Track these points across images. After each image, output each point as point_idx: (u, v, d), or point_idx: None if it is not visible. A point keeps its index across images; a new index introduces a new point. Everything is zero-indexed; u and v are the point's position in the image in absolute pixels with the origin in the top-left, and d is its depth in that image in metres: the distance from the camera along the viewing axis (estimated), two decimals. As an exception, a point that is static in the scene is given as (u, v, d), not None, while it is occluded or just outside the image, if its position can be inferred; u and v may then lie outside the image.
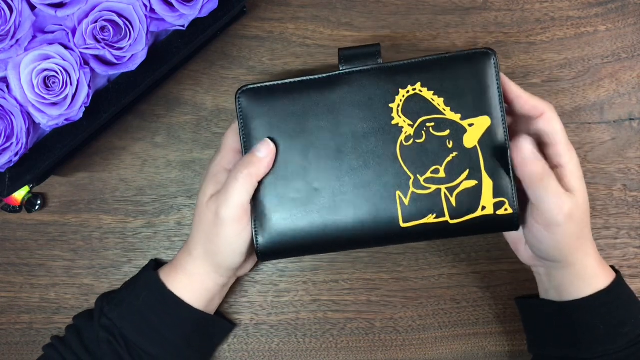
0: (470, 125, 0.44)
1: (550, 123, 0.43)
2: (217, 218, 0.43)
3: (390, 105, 0.44)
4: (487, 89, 0.43)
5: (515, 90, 0.44)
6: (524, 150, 0.41)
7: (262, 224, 0.44)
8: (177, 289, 0.46)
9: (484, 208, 0.44)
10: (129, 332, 0.45)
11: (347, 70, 0.44)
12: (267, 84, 0.45)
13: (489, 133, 0.43)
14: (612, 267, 0.47)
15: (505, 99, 0.44)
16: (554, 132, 0.43)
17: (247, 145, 0.45)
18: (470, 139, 0.44)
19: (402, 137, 0.44)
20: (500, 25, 0.55)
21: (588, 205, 0.44)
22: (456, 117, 0.44)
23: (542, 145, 0.44)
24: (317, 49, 0.55)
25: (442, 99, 0.44)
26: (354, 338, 0.53)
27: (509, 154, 0.43)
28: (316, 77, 0.45)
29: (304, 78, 0.45)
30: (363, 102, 0.44)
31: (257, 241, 0.44)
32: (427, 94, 0.44)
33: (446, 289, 0.54)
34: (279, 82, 0.45)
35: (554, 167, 0.43)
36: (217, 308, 0.51)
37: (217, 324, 0.51)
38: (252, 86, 0.45)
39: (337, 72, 0.44)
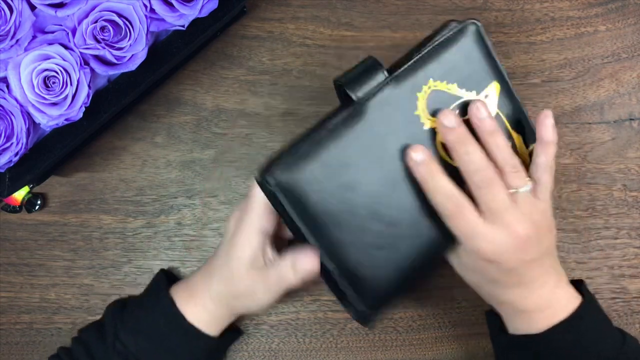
0: (486, 96, 0.42)
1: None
2: (254, 298, 0.44)
3: (416, 113, 0.40)
4: (485, 58, 0.42)
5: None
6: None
7: (361, 288, 0.40)
8: (193, 315, 0.46)
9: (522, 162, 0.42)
10: (144, 359, 0.45)
11: (362, 100, 0.39)
12: (291, 147, 0.38)
13: (502, 96, 0.43)
14: (579, 286, 0.44)
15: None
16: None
17: (308, 225, 0.38)
18: (491, 109, 0.42)
19: (439, 137, 0.41)
20: (500, 25, 0.55)
21: (520, 235, 0.39)
22: (473, 95, 0.42)
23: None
24: (317, 49, 0.55)
25: (454, 84, 0.42)
26: (354, 338, 0.53)
27: (521, 105, 0.43)
28: (338, 119, 0.39)
29: (325, 124, 0.39)
30: (391, 122, 0.40)
31: (363, 306, 0.41)
32: (441, 85, 0.41)
33: (446, 289, 0.53)
34: (300, 140, 0.39)
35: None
36: None
37: (228, 341, 0.51)
38: (281, 160, 0.38)
39: (353, 105, 0.39)
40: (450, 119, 0.39)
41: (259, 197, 0.42)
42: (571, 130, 0.54)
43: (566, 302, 0.42)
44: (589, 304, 0.43)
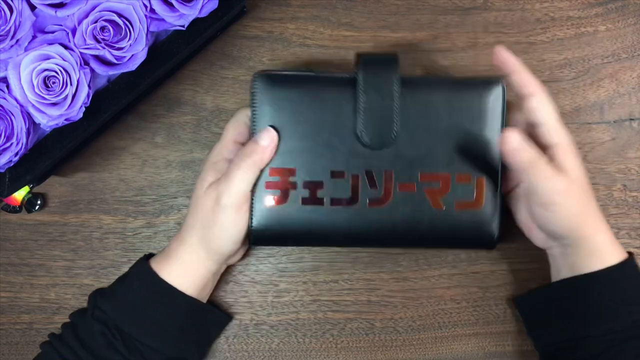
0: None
1: (539, 103, 0.44)
2: (218, 205, 0.44)
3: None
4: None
5: (514, 64, 0.45)
6: (512, 141, 0.42)
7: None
8: (169, 277, 0.46)
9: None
10: (123, 323, 0.45)
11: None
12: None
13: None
14: (629, 252, 0.46)
15: (505, 70, 0.46)
16: (543, 112, 0.44)
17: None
18: None
19: None
20: (500, 25, 0.55)
21: (586, 180, 0.45)
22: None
23: (533, 126, 0.45)
24: (317, 49, 0.55)
25: None
26: (354, 338, 0.53)
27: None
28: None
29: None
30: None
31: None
32: None
33: (446, 289, 0.53)
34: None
35: (545, 147, 0.44)
36: (212, 300, 0.52)
37: (211, 313, 0.51)
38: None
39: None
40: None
41: (227, 131, 0.47)
42: (571, 130, 0.54)
43: (619, 251, 0.45)
44: (634, 259, 0.46)
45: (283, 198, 0.45)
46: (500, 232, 0.47)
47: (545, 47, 0.55)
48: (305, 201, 0.45)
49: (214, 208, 0.44)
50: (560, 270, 0.47)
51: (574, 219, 0.44)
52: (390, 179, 0.45)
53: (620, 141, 0.54)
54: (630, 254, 0.46)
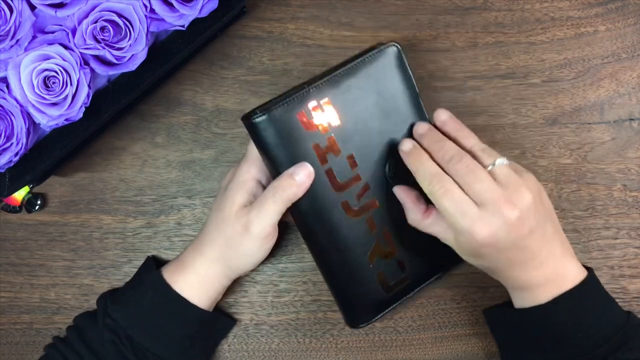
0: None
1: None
2: (247, 232, 0.44)
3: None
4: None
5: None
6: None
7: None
8: (183, 289, 0.46)
9: None
10: (134, 333, 0.45)
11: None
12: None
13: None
14: (587, 268, 0.45)
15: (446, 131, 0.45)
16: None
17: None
18: None
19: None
20: (500, 25, 0.55)
21: (513, 222, 0.39)
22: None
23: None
24: (317, 49, 0.55)
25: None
26: (354, 338, 0.53)
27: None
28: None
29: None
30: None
31: None
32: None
33: (446, 289, 0.53)
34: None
35: None
36: (217, 305, 0.51)
37: (219, 322, 0.51)
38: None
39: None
40: (422, 127, 0.45)
41: (252, 151, 0.45)
42: (571, 130, 0.54)
43: (574, 274, 0.43)
44: (594, 278, 0.44)
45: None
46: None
47: (545, 47, 0.55)
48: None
49: (242, 233, 0.44)
50: (522, 297, 0.45)
51: (512, 265, 0.42)
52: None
53: (620, 141, 0.54)
54: (589, 270, 0.44)
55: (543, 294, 0.42)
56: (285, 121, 0.43)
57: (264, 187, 0.45)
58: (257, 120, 0.42)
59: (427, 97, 0.52)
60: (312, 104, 0.43)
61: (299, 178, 0.43)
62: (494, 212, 0.39)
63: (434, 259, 0.50)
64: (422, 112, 0.47)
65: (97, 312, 0.47)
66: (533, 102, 0.55)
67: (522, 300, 0.44)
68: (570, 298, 0.42)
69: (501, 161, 0.41)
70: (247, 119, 0.43)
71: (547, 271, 0.42)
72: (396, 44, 0.45)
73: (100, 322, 0.46)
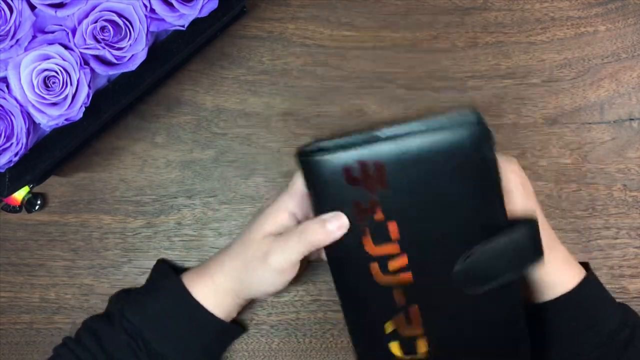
0: None
1: None
2: (264, 261, 0.43)
3: None
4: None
5: None
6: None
7: None
8: (203, 297, 0.46)
9: None
10: (151, 337, 0.45)
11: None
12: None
13: None
14: (583, 263, 0.47)
15: None
16: None
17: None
18: None
19: None
20: (500, 25, 0.55)
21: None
22: None
23: None
24: (317, 49, 0.55)
25: None
26: (354, 338, 0.53)
27: None
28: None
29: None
30: None
31: None
32: None
33: (446, 289, 0.53)
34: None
35: None
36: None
37: (233, 331, 0.51)
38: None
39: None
40: None
41: (297, 183, 0.43)
42: (571, 130, 0.54)
43: (572, 275, 0.45)
44: (592, 278, 0.46)
45: None
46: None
47: (545, 47, 0.55)
48: None
49: (260, 260, 0.44)
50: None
51: None
52: None
53: (620, 141, 0.54)
54: (587, 267, 0.46)
55: (561, 286, 0.44)
56: (331, 170, 0.40)
57: (299, 223, 0.44)
58: (317, 158, 0.40)
59: (427, 97, 0.52)
60: (363, 161, 0.39)
61: (330, 227, 0.41)
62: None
63: (471, 354, 0.45)
64: (496, 207, 0.40)
65: (112, 314, 0.46)
66: (533, 102, 0.55)
67: (543, 293, 0.45)
68: (569, 298, 0.44)
69: None
70: (305, 155, 0.40)
71: (560, 267, 0.45)
72: (479, 115, 0.38)
73: (117, 324, 0.45)
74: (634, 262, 0.54)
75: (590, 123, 0.55)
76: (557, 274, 0.44)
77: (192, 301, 0.45)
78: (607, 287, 0.45)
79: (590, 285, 0.45)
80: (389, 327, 0.44)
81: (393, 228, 0.41)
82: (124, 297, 0.48)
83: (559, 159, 0.54)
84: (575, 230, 0.54)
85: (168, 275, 0.48)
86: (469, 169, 0.39)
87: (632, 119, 0.55)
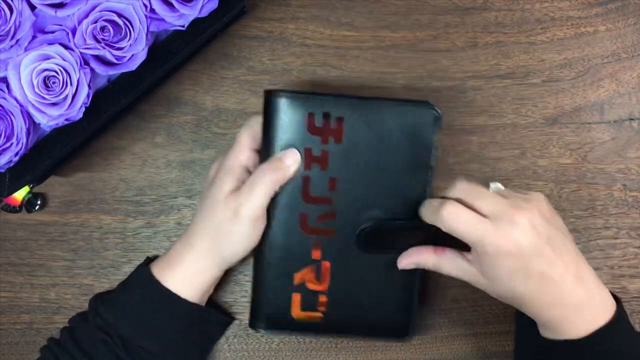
0: None
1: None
2: (236, 216, 0.44)
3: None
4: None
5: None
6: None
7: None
8: (172, 284, 0.46)
9: None
10: (125, 331, 0.45)
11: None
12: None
13: None
14: (613, 294, 0.43)
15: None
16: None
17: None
18: None
19: None
20: (500, 25, 0.55)
21: (531, 241, 0.40)
22: None
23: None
24: (317, 49, 0.55)
25: None
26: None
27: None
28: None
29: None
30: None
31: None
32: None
33: (446, 288, 0.53)
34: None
35: None
36: (213, 300, 0.52)
37: (213, 316, 0.50)
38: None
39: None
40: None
41: (242, 136, 0.46)
42: (571, 130, 0.54)
43: (604, 305, 0.41)
44: (623, 310, 0.42)
45: None
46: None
47: (545, 47, 0.55)
48: None
49: (231, 218, 0.44)
50: (551, 327, 0.43)
51: (542, 287, 0.40)
52: None
53: (620, 141, 0.54)
54: (617, 300, 0.43)
55: (575, 326, 0.41)
56: (298, 112, 0.44)
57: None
58: (279, 98, 0.44)
59: (427, 97, 0.52)
60: (326, 111, 0.44)
61: (288, 162, 0.44)
62: (507, 221, 0.40)
63: (362, 319, 0.48)
64: (424, 187, 0.45)
65: (89, 312, 0.47)
66: (533, 102, 0.55)
67: (553, 328, 0.42)
68: (606, 333, 0.41)
69: (498, 185, 0.45)
70: (270, 93, 0.45)
71: (581, 296, 0.40)
72: (438, 112, 0.45)
73: (91, 322, 0.45)
74: (634, 262, 0.54)
75: (590, 123, 0.55)
76: (583, 308, 0.41)
77: (162, 289, 0.45)
78: (607, 287, 0.44)
79: (622, 322, 0.42)
80: (297, 278, 0.46)
81: (332, 183, 0.45)
82: (100, 296, 0.49)
83: (559, 159, 0.54)
84: (575, 230, 0.54)
85: (138, 268, 0.49)
86: (412, 145, 0.45)
87: (632, 119, 0.55)
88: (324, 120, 0.44)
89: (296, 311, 0.47)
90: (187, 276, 0.46)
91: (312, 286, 0.46)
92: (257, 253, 0.47)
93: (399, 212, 0.45)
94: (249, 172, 0.46)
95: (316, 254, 0.46)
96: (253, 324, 0.48)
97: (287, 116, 0.44)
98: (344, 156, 0.44)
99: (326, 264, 0.46)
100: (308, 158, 0.44)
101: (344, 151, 0.44)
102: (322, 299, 0.47)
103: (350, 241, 0.46)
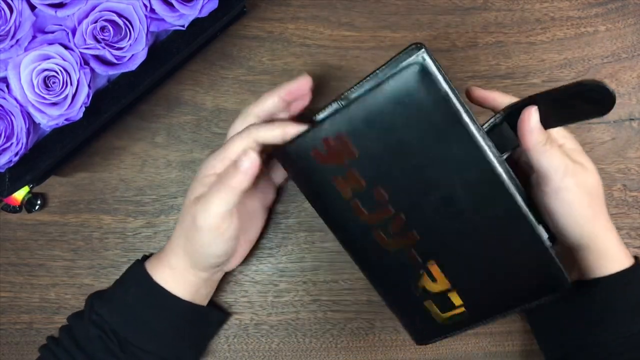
0: None
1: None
2: (194, 224, 0.42)
3: None
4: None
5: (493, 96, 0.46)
6: (533, 118, 0.41)
7: None
8: (162, 281, 0.46)
9: None
10: (119, 327, 0.45)
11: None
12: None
13: None
14: (635, 257, 0.46)
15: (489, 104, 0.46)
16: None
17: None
18: None
19: None
20: (500, 25, 0.55)
21: (599, 181, 0.44)
22: None
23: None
24: (317, 49, 0.55)
25: None
26: (354, 338, 0.53)
27: None
28: None
29: None
30: None
31: None
32: None
33: (446, 289, 0.53)
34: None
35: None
36: (212, 300, 0.52)
37: (206, 314, 0.50)
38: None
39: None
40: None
41: (227, 147, 0.43)
42: (571, 131, 0.54)
43: (628, 255, 0.45)
44: None
45: None
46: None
47: (545, 47, 0.55)
48: None
49: (191, 226, 0.43)
50: (571, 274, 0.46)
51: (583, 212, 0.43)
52: None
53: (620, 141, 0.54)
54: (636, 258, 0.46)
55: (617, 263, 0.44)
56: (302, 158, 0.41)
57: None
58: (287, 149, 0.42)
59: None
60: (325, 138, 0.40)
61: (243, 165, 0.41)
62: (587, 168, 0.44)
63: (506, 290, 0.43)
64: (470, 139, 0.38)
65: (85, 309, 0.47)
66: (533, 102, 0.55)
67: (600, 266, 0.45)
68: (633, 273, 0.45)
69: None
70: (277, 151, 0.43)
71: (616, 240, 0.45)
72: (422, 52, 0.37)
73: (87, 319, 0.46)
74: (634, 262, 0.54)
75: (590, 123, 0.55)
76: (616, 248, 0.45)
77: (154, 286, 0.45)
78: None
79: None
80: (418, 289, 0.44)
81: (379, 192, 0.41)
82: (96, 293, 0.49)
83: (559, 159, 0.54)
84: (575, 230, 0.54)
85: (133, 266, 0.49)
86: (422, 109, 0.37)
87: (632, 119, 0.55)
88: (326, 146, 0.40)
89: (439, 316, 0.45)
90: (172, 274, 0.46)
91: (435, 288, 0.44)
92: (375, 287, 0.46)
93: (459, 175, 0.39)
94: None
95: (416, 260, 0.43)
96: (419, 341, 0.47)
97: (298, 163, 0.42)
98: (368, 165, 0.40)
99: (432, 265, 0.43)
100: (342, 185, 0.41)
101: (365, 161, 0.40)
102: (452, 295, 0.44)
103: (437, 232, 0.42)
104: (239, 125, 0.44)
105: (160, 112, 0.55)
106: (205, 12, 0.46)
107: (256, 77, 0.55)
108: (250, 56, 0.55)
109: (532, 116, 0.41)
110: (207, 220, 0.42)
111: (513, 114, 0.42)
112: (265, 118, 0.44)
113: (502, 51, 0.55)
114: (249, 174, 0.41)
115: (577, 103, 0.39)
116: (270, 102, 0.43)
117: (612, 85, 0.55)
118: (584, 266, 0.45)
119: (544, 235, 0.41)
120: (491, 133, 0.43)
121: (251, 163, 0.41)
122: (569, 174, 0.42)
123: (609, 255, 0.44)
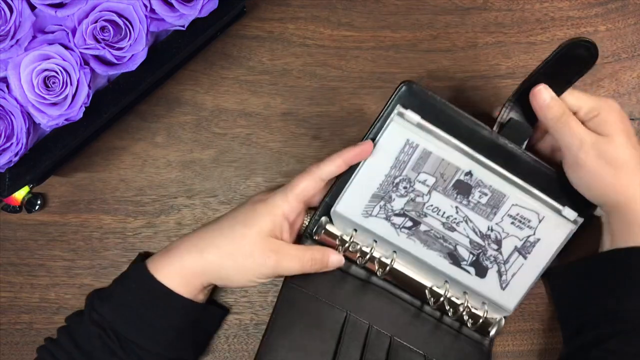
0: None
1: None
2: (267, 259, 0.45)
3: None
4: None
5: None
6: (543, 96, 0.44)
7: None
8: (167, 279, 0.45)
9: None
10: (119, 326, 0.44)
11: None
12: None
13: None
14: None
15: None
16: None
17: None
18: None
19: None
20: (500, 25, 0.55)
21: (625, 144, 0.43)
22: None
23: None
24: (317, 49, 0.55)
25: None
26: (354, 338, 0.53)
27: None
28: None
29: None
30: None
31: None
32: None
33: (446, 289, 0.53)
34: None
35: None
36: (212, 299, 0.52)
37: (207, 312, 0.50)
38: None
39: None
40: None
41: (296, 184, 0.46)
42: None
43: None
44: None
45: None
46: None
47: (545, 47, 0.55)
48: None
49: (261, 264, 0.45)
50: (604, 242, 0.47)
51: (604, 183, 0.43)
52: None
53: (620, 141, 0.54)
54: None
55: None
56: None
57: (289, 226, 0.47)
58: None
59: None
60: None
61: (331, 263, 0.48)
62: (613, 137, 0.44)
63: None
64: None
65: (85, 308, 0.47)
66: (533, 102, 0.55)
67: (629, 234, 0.44)
68: None
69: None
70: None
71: None
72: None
73: (87, 317, 0.45)
74: (634, 262, 0.53)
75: (590, 123, 0.55)
76: None
77: (155, 284, 0.45)
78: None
79: None
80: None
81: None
82: (96, 292, 0.48)
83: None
84: (575, 230, 0.54)
85: (134, 264, 0.49)
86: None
87: (632, 119, 0.55)
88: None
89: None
90: (180, 273, 0.45)
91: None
92: None
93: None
94: (288, 223, 0.46)
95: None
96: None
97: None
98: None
99: None
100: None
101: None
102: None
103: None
104: (304, 183, 0.46)
105: (160, 112, 0.55)
106: (205, 12, 0.46)
107: (256, 77, 0.55)
108: (250, 56, 0.55)
109: (541, 93, 0.44)
110: (289, 269, 0.46)
111: (521, 99, 0.46)
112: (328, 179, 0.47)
113: (502, 51, 0.55)
114: (331, 266, 0.48)
115: (566, 66, 0.44)
116: (334, 168, 0.46)
117: (612, 85, 0.55)
118: (613, 232, 0.45)
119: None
120: (504, 128, 0.47)
121: (338, 262, 0.48)
122: (584, 148, 0.43)
123: (637, 225, 0.44)
